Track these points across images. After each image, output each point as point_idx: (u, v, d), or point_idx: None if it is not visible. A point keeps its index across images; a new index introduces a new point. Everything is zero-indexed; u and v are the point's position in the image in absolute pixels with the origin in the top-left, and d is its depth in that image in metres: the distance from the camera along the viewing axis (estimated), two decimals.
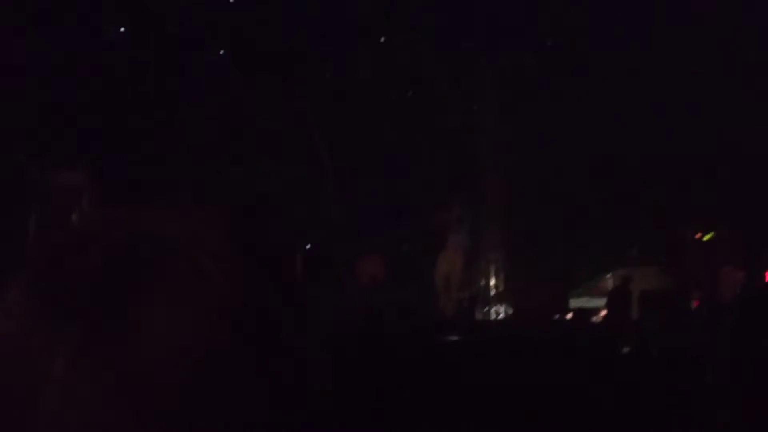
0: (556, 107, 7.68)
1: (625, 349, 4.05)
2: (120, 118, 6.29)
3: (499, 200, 8.76)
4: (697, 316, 5.73)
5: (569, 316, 6.88)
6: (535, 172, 8.00)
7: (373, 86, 8.14)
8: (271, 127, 7.69)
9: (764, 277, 6.07)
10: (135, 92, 6.45)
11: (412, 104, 8.33)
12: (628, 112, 7.27)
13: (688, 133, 7.02)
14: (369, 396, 2.52)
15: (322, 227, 7.61)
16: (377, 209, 7.92)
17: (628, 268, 7.76)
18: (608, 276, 8.10)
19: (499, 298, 8.58)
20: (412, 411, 2.37)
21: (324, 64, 7.95)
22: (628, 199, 7.43)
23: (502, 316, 8.29)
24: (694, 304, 6.16)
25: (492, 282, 8.77)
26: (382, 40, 7.97)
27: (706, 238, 6.49)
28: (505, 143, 8.61)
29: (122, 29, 6.71)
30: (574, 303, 7.78)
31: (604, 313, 7.68)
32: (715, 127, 6.83)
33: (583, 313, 7.48)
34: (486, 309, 8.46)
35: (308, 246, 7.42)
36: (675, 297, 6.35)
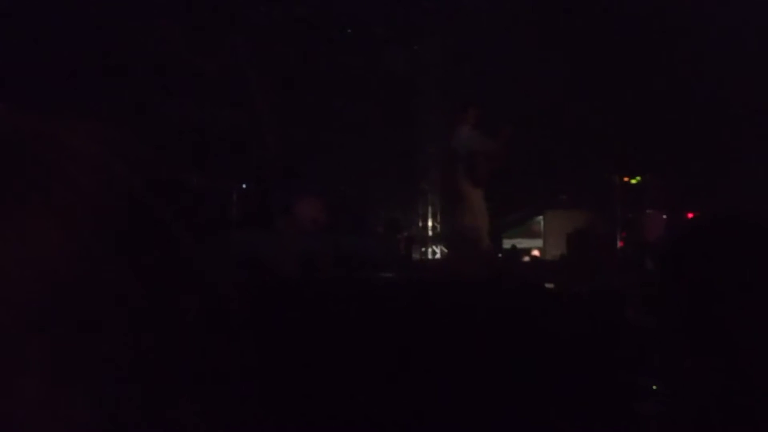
0: (497, 49, 7.68)
1: (550, 286, 4.26)
2: (38, 50, 5.87)
3: (437, 142, 8.82)
4: (622, 256, 6.05)
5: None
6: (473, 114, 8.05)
7: (310, 24, 7.89)
8: (204, 64, 7.39)
9: (686, 219, 6.43)
10: (54, 22, 6.02)
11: (350, 43, 8.15)
12: (564, 57, 7.36)
13: (617, 80, 7.19)
14: (306, 337, 2.57)
15: (259, 167, 7.48)
16: (316, 150, 7.83)
17: (558, 211, 8.09)
18: (539, 218, 8.41)
19: (436, 239, 8.77)
20: (349, 349, 2.43)
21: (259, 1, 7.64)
22: (559, 145, 7.62)
23: (438, 255, 8.51)
24: (619, 244, 6.49)
25: (430, 223, 8.94)
26: None
27: (633, 182, 6.79)
28: (446, 84, 8.60)
29: None
30: (508, 243, 8.07)
31: (535, 252, 8.03)
32: (642, 74, 7.01)
33: (516, 253, 7.79)
34: (423, 249, 8.65)
35: (243, 186, 7.28)
36: (601, 238, 6.67)
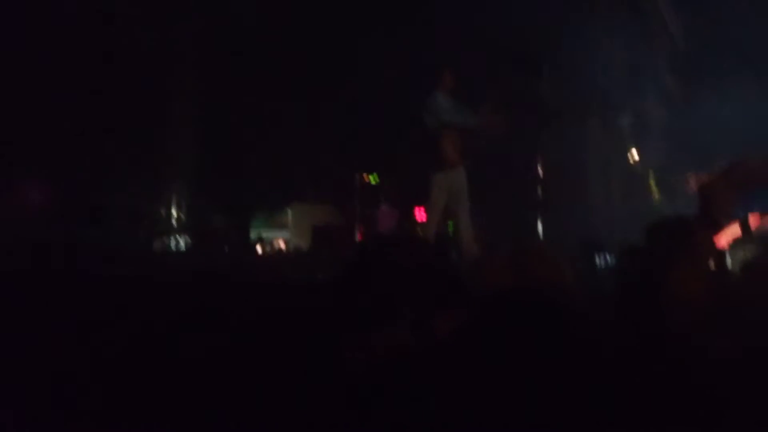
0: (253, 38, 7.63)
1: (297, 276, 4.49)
2: None
3: (186, 129, 8.51)
4: (358, 250, 6.60)
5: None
6: (226, 105, 7.95)
7: None
8: None
9: (414, 215, 7.22)
10: None
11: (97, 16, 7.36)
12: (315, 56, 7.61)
13: (362, 85, 7.63)
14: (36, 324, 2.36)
15: None
16: (44, 123, 6.95)
17: (305, 205, 8.46)
18: (287, 210, 8.71)
19: (181, 229, 8.47)
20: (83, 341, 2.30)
21: None
22: (308, 144, 7.92)
23: (183, 247, 8.23)
24: (358, 238, 7.05)
25: (175, 212, 8.57)
26: None
27: (372, 181, 7.39)
28: (200, 66, 8.30)
29: None
30: (255, 233, 8.19)
31: (279, 242, 8.29)
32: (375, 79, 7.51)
33: (264, 243, 7.95)
34: (167, 240, 8.28)
35: None
36: (343, 232, 7.20)
